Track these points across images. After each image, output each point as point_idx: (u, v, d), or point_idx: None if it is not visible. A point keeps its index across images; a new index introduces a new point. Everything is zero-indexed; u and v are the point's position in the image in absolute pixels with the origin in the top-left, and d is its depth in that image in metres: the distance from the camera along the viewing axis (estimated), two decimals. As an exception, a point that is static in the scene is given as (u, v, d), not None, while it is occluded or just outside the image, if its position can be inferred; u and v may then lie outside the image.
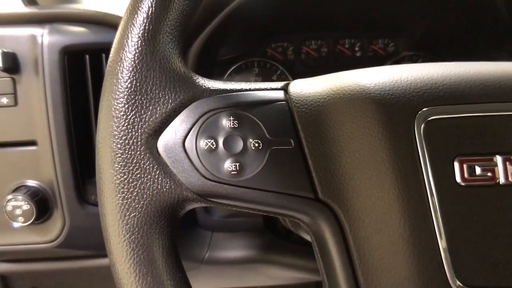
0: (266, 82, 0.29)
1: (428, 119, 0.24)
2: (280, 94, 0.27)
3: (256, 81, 0.70)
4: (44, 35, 0.44)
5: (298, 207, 0.26)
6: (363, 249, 0.25)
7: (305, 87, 0.28)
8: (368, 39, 0.70)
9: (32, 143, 0.45)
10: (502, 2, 0.52)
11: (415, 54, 0.69)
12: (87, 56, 0.47)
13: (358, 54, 0.70)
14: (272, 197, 0.26)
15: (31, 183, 0.45)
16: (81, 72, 0.47)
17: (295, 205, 0.26)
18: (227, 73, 0.68)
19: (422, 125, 0.24)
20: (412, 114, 0.24)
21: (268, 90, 0.28)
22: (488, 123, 0.24)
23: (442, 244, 0.23)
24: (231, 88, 0.27)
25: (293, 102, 0.27)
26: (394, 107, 0.25)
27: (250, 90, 0.28)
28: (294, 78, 0.63)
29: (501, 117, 0.24)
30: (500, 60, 0.59)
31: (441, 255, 0.23)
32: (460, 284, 0.23)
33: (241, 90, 0.28)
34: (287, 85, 0.28)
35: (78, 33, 0.46)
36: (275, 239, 0.63)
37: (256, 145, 0.26)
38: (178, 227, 0.27)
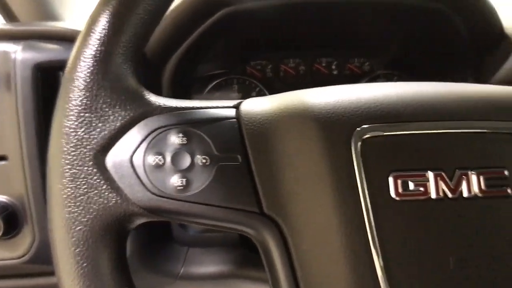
0: (219, 101, 0.30)
1: (365, 136, 0.25)
2: (231, 112, 0.29)
3: (236, 97, 0.71)
4: (17, 52, 0.45)
5: (243, 221, 0.27)
6: (304, 261, 0.25)
7: (256, 106, 0.29)
8: (344, 58, 0.71)
9: (2, 158, 0.45)
10: (461, 23, 0.54)
11: (390, 73, 0.71)
12: (61, 73, 0.48)
13: (335, 72, 0.72)
14: (218, 211, 0.26)
15: (0, 198, 0.45)
16: (55, 88, 0.48)
17: (241, 219, 0.27)
18: (207, 90, 0.69)
19: (359, 143, 0.25)
20: (350, 132, 0.25)
21: (220, 108, 0.29)
22: (421, 141, 0.25)
23: (376, 257, 0.24)
24: (182, 106, 0.28)
25: (242, 120, 0.28)
26: (334, 125, 0.26)
27: (201, 108, 0.29)
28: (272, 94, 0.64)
29: (433, 135, 0.25)
30: (466, 80, 0.61)
31: (375, 268, 0.24)
32: None
33: (193, 108, 0.29)
34: (239, 104, 0.29)
35: (52, 50, 0.47)
36: (251, 253, 0.63)
37: (204, 161, 0.27)
38: (126, 241, 0.28)
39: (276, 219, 0.26)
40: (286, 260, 0.26)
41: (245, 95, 0.71)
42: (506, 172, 0.25)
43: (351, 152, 0.25)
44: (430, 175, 0.25)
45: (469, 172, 0.25)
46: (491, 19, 0.54)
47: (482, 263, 0.24)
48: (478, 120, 0.26)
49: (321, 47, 0.71)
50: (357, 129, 0.25)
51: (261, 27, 0.63)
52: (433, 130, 0.26)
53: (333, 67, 0.72)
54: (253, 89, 0.71)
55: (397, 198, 0.25)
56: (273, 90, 0.71)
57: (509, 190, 0.25)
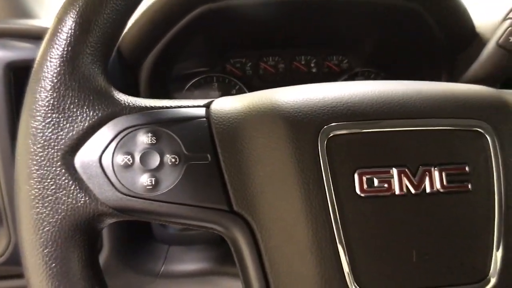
0: (190, 100, 0.30)
1: (331, 135, 0.26)
2: (201, 111, 0.29)
3: (215, 95, 0.71)
4: (-11, 51, 0.44)
5: (213, 219, 0.27)
6: (274, 258, 0.26)
7: (226, 105, 0.29)
8: (323, 56, 0.72)
9: (-25, 158, 0.45)
10: (434, 23, 0.55)
11: (368, 71, 0.72)
12: (35, 72, 0.47)
13: (313, 70, 0.72)
14: (187, 210, 0.27)
15: (-27, 199, 0.45)
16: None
17: (211, 217, 0.27)
18: (186, 88, 0.69)
19: (326, 141, 0.26)
20: (316, 130, 0.26)
21: (190, 108, 0.29)
22: (386, 138, 0.26)
23: (342, 252, 0.25)
24: (152, 105, 0.29)
25: (212, 119, 0.28)
26: (301, 124, 0.26)
27: (171, 107, 0.29)
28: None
29: (397, 132, 0.26)
30: (440, 78, 0.62)
31: (341, 263, 0.25)
32: None
33: (162, 107, 0.29)
34: (210, 103, 0.30)
35: (25, 48, 0.46)
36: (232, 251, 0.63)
37: (173, 160, 0.27)
38: (96, 240, 0.28)
39: (245, 217, 0.27)
40: (256, 256, 0.26)
41: (225, 93, 0.71)
42: (467, 168, 0.26)
43: (318, 150, 0.26)
44: (394, 171, 0.26)
45: (432, 169, 0.26)
46: (463, 18, 0.55)
47: (443, 255, 0.25)
48: (441, 117, 0.27)
49: (300, 45, 0.72)
50: (324, 127, 0.26)
51: (240, 25, 0.64)
52: (398, 128, 0.26)
53: (312, 65, 0.72)
54: (233, 87, 0.71)
55: (362, 195, 0.25)
56: (253, 88, 0.71)
57: (469, 186, 0.26)
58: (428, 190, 0.26)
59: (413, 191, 0.25)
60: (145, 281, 0.59)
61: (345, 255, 0.25)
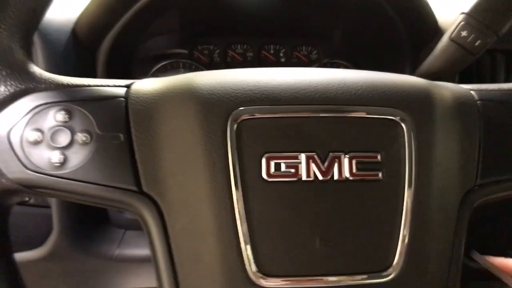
0: (113, 79, 0.30)
1: (241, 118, 0.26)
2: (121, 91, 0.28)
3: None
4: None
5: (122, 199, 0.27)
6: (179, 240, 0.26)
7: (147, 86, 0.29)
8: (292, 46, 0.72)
9: None
10: (397, 18, 0.55)
11: (336, 62, 0.72)
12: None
13: (282, 60, 0.72)
14: (95, 189, 0.26)
15: None
16: None
17: (119, 197, 0.27)
18: (150, 73, 0.68)
19: (236, 124, 0.25)
20: (227, 113, 0.26)
21: (110, 87, 0.29)
22: (296, 124, 0.26)
23: (243, 236, 0.25)
24: (71, 82, 0.28)
25: (130, 99, 0.28)
26: (213, 106, 0.26)
27: (91, 86, 0.28)
28: None
29: (309, 118, 0.26)
30: (403, 71, 0.62)
31: (241, 247, 0.24)
32: (259, 274, 0.24)
33: (82, 85, 0.28)
34: (132, 83, 0.29)
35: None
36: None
37: (84, 139, 0.26)
38: (6, 217, 0.28)
39: (154, 198, 0.26)
40: (163, 238, 0.26)
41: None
42: (379, 157, 0.26)
43: (226, 133, 0.25)
44: (303, 157, 0.25)
45: (342, 156, 0.26)
46: (424, 13, 0.55)
47: (347, 243, 0.25)
48: (356, 105, 0.27)
49: (269, 34, 0.71)
50: (235, 110, 0.26)
51: (208, 8, 0.63)
52: (310, 113, 0.26)
53: (281, 54, 0.72)
54: (200, 74, 0.70)
55: (268, 179, 0.25)
56: (220, 76, 0.70)
57: (380, 175, 0.26)
58: (336, 177, 0.25)
59: (320, 177, 0.25)
60: (97, 264, 0.58)
61: (246, 239, 0.24)
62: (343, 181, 0.25)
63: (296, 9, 0.64)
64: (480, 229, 0.55)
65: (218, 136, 0.25)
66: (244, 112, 0.26)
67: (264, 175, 0.25)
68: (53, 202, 0.52)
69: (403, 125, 0.27)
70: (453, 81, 0.51)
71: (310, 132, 0.26)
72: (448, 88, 0.31)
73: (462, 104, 0.30)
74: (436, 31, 0.56)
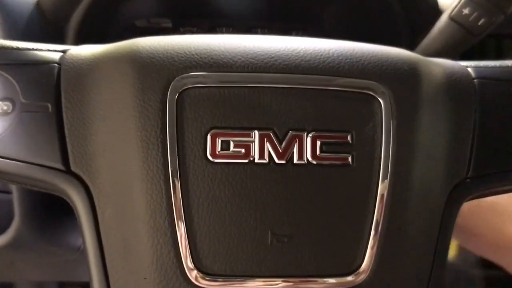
0: (48, 44, 0.26)
1: (184, 87, 0.21)
2: (55, 56, 0.24)
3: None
4: None
5: (46, 178, 0.23)
6: (109, 229, 0.22)
7: (86, 51, 0.25)
8: (280, 30, 0.67)
9: None
10: (395, 1, 0.50)
11: None
12: None
13: None
14: (15, 166, 0.22)
15: None
16: None
17: (43, 176, 0.23)
18: None
19: (177, 94, 0.21)
20: (168, 80, 0.21)
21: (43, 51, 0.25)
22: (250, 96, 0.22)
23: (180, 227, 0.20)
24: None
25: (64, 65, 0.24)
26: (151, 72, 0.22)
27: (19, 49, 0.24)
28: None
29: (266, 89, 0.22)
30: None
31: (178, 239, 0.20)
32: (198, 273, 0.20)
33: (7, 47, 0.24)
34: (69, 49, 0.25)
35: None
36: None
37: (5, 108, 0.23)
38: None
39: (83, 178, 0.22)
40: (93, 226, 0.22)
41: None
42: (349, 137, 0.22)
43: (165, 105, 0.21)
44: (256, 135, 0.21)
45: (304, 135, 0.21)
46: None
47: (306, 240, 0.21)
48: (326, 75, 0.22)
49: (257, 17, 0.67)
50: (177, 77, 0.21)
51: None
52: (267, 83, 0.22)
53: None
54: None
55: (213, 160, 0.21)
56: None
57: (349, 159, 0.22)
58: (295, 160, 0.21)
59: (276, 160, 0.21)
60: (64, 255, 0.55)
61: (183, 231, 0.20)
62: (303, 165, 0.21)
63: None
64: None
65: (155, 107, 0.21)
66: (187, 80, 0.21)
67: (208, 155, 0.21)
68: (13, 186, 0.48)
69: (380, 100, 0.22)
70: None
71: (267, 105, 0.22)
72: (439, 64, 0.26)
73: (455, 82, 0.25)
74: (436, 13, 0.51)
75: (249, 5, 0.64)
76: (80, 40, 0.52)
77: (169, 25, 0.65)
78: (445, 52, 0.44)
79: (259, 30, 0.67)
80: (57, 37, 0.51)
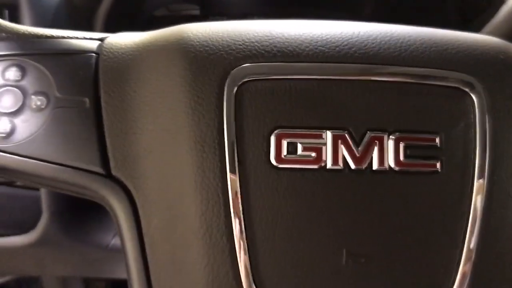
0: (86, 32, 0.23)
1: (244, 80, 0.18)
2: (93, 45, 0.22)
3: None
4: None
5: (84, 183, 0.20)
6: (155, 242, 0.19)
7: (126, 39, 0.22)
8: (319, 17, 0.63)
9: None
10: None
11: None
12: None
13: None
14: (50, 169, 0.20)
15: None
16: None
17: (81, 181, 0.20)
18: None
19: (236, 87, 0.18)
20: (225, 72, 0.18)
21: (79, 39, 0.22)
22: (319, 89, 0.18)
23: (239, 243, 0.17)
24: (28, 32, 0.22)
25: (103, 54, 0.21)
26: (205, 63, 0.19)
27: (54, 37, 0.22)
28: None
29: (339, 82, 0.18)
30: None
31: (237, 258, 0.17)
32: None
33: (42, 35, 0.22)
34: (107, 37, 0.23)
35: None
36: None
37: (39, 103, 0.20)
38: None
39: (126, 184, 0.20)
40: (136, 237, 0.20)
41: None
42: (437, 140, 0.18)
43: (223, 99, 0.18)
44: (329, 136, 0.18)
45: (385, 136, 0.18)
46: None
47: (387, 261, 0.18)
48: (408, 66, 0.19)
49: (293, 4, 0.63)
50: (235, 68, 0.18)
51: None
52: (340, 75, 0.19)
53: None
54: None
55: (279, 165, 0.18)
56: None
57: (438, 165, 0.18)
58: (375, 166, 0.18)
59: (353, 166, 0.18)
60: (91, 252, 0.53)
61: (244, 248, 0.17)
62: (384, 172, 0.18)
63: None
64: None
65: (210, 103, 0.18)
66: (248, 71, 0.18)
67: (272, 159, 0.18)
68: (41, 183, 0.46)
69: (473, 96, 0.19)
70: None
71: (341, 101, 0.18)
72: None
73: None
74: (490, 1, 0.47)
75: None
76: (108, 30, 0.50)
77: (196, 12, 0.62)
78: None
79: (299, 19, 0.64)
80: (85, 27, 0.49)
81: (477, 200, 0.18)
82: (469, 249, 0.18)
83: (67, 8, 0.47)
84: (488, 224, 0.18)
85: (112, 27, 0.50)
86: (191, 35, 0.20)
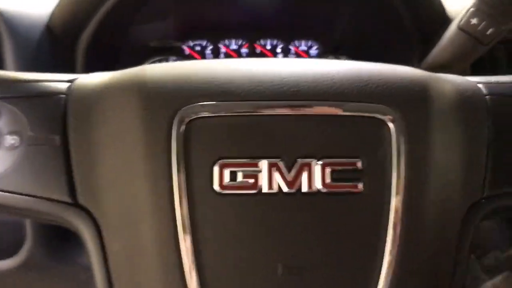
0: (56, 74, 0.26)
1: (190, 118, 0.21)
2: (62, 86, 0.24)
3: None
4: None
5: (54, 211, 0.23)
6: (118, 263, 0.22)
7: (93, 80, 0.25)
8: (290, 40, 0.67)
9: None
10: (404, 10, 0.50)
11: (338, 58, 0.67)
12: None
13: (279, 56, 0.67)
14: (23, 200, 0.22)
15: None
16: None
17: (51, 210, 0.23)
18: None
19: (184, 124, 0.21)
20: (174, 110, 0.21)
21: (50, 82, 0.25)
22: (257, 124, 0.21)
23: (188, 261, 0.20)
24: (4, 77, 0.24)
25: (71, 96, 0.24)
26: (157, 103, 0.22)
27: (26, 81, 0.25)
28: None
29: (271, 117, 0.21)
30: (412, 64, 0.57)
31: (185, 275, 0.20)
32: None
33: (15, 80, 0.24)
34: (76, 78, 0.25)
35: None
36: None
37: (12, 142, 0.23)
38: None
39: (91, 211, 0.22)
40: (102, 259, 0.22)
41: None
42: (359, 164, 0.21)
43: (171, 136, 0.21)
44: (264, 164, 0.21)
45: (313, 162, 0.21)
46: (433, 4, 0.50)
47: (317, 272, 0.20)
48: (334, 100, 0.22)
49: (266, 28, 0.66)
50: (183, 108, 0.21)
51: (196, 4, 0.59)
52: (273, 110, 0.21)
53: (278, 50, 0.67)
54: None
55: (221, 191, 0.21)
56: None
57: (360, 186, 0.21)
58: (305, 189, 0.21)
59: (285, 189, 0.21)
60: (79, 274, 0.55)
61: (192, 265, 0.20)
62: (313, 194, 0.21)
63: (295, 2, 0.60)
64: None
65: (161, 139, 0.21)
66: (194, 110, 0.21)
67: (216, 187, 0.21)
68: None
69: (390, 125, 0.22)
70: (463, 74, 0.46)
71: (275, 133, 0.21)
72: (450, 81, 0.25)
73: (467, 100, 0.24)
74: (444, 19, 0.50)
75: (258, 16, 0.64)
76: (90, 61, 0.53)
77: (178, 45, 0.65)
78: (455, 62, 0.43)
79: (268, 41, 0.67)
80: (68, 59, 0.51)
81: (395, 215, 0.21)
82: (389, 259, 0.21)
83: (49, 39, 0.49)
84: (405, 236, 0.21)
85: (95, 58, 0.53)
86: (146, 77, 0.23)
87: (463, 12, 0.40)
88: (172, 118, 0.21)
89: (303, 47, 0.67)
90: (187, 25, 0.64)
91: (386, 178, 0.21)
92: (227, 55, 0.67)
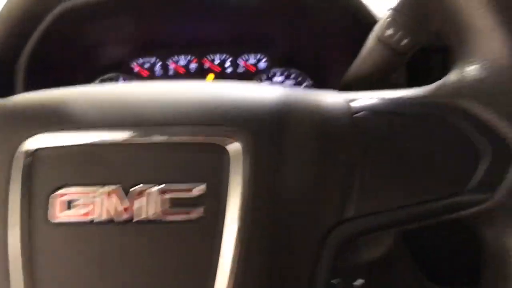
0: None
1: (33, 149, 0.22)
2: None
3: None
4: None
5: None
6: None
7: None
8: (238, 54, 0.67)
9: None
10: (333, 20, 0.50)
11: (286, 70, 0.67)
12: None
13: (228, 70, 0.68)
14: None
15: None
16: None
17: None
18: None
19: (24, 157, 0.22)
20: (16, 143, 0.22)
21: None
22: (96, 152, 0.22)
23: None
24: None
25: None
26: (3, 133, 0.22)
27: None
28: None
29: (111, 146, 0.22)
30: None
31: None
32: None
33: None
34: None
35: None
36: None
37: None
38: None
39: None
40: None
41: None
42: (196, 191, 0.21)
43: (10, 169, 0.21)
44: (100, 192, 0.21)
45: (149, 189, 0.21)
46: (358, 13, 0.50)
47: None
48: (176, 125, 0.22)
49: (214, 43, 0.67)
50: (28, 139, 0.22)
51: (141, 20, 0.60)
52: (114, 140, 0.22)
53: (227, 64, 0.68)
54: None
55: (54, 221, 0.21)
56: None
57: (194, 214, 0.21)
58: (140, 217, 0.21)
59: (119, 218, 0.21)
60: None
61: None
62: (146, 223, 0.21)
63: (240, 16, 0.60)
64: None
65: (3, 171, 0.22)
66: (36, 141, 0.22)
67: (49, 217, 0.21)
68: None
69: (228, 150, 0.22)
70: (386, 85, 0.46)
71: (112, 161, 0.22)
72: (315, 100, 0.25)
73: (331, 120, 0.24)
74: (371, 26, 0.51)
75: (203, 32, 0.64)
76: (31, 76, 0.53)
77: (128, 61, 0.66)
78: (377, 72, 0.43)
79: (217, 56, 0.68)
80: (8, 74, 0.52)
81: (228, 244, 0.21)
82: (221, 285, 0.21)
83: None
84: (239, 268, 0.21)
85: (36, 73, 0.53)
86: (6, 105, 0.23)
87: (380, 22, 0.40)
88: (14, 150, 0.22)
89: (252, 60, 0.68)
90: (137, 42, 0.65)
91: (221, 206, 0.21)
92: (176, 72, 0.67)
